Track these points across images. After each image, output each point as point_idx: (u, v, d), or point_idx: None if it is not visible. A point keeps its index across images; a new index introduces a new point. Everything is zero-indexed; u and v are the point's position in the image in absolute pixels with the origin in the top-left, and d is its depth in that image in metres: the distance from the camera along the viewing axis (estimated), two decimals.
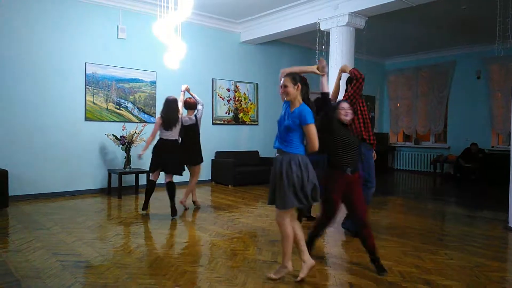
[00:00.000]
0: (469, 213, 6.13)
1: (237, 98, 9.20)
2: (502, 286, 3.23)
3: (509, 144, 9.03)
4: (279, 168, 3.09)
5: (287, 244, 3.14)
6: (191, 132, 5.81)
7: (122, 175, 6.85)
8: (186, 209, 5.94)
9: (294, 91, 3.20)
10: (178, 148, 5.53)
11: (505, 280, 3.35)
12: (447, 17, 7.94)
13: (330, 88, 4.59)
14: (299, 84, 3.21)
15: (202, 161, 6.00)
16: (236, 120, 9.21)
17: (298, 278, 3.17)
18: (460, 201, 7.59)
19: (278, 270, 3.24)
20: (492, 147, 10.15)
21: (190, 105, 5.86)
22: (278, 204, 3.09)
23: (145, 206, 5.61)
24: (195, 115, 5.86)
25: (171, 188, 5.38)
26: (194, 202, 6.18)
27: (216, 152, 8.68)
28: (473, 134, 10.21)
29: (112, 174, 7.04)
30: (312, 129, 3.04)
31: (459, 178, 9.88)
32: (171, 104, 5.46)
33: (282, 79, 3.27)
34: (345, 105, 3.55)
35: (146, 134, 7.09)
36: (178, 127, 5.49)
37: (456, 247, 4.23)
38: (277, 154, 3.20)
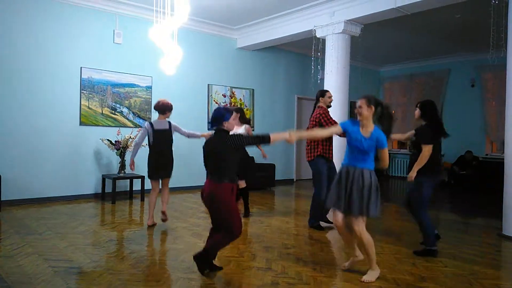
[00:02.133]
0: (463, 221, 6.14)
1: (233, 104, 9.20)
2: None
3: (503, 152, 9.07)
4: (363, 180, 3.39)
5: (372, 249, 3.44)
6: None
7: (117, 180, 6.81)
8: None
9: (367, 113, 3.43)
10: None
11: None
12: (442, 26, 8.01)
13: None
14: (372, 107, 3.44)
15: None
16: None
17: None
18: (454, 208, 7.61)
19: (370, 274, 3.44)
20: (486, 154, 10.21)
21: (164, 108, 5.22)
22: (367, 212, 3.37)
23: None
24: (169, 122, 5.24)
25: None
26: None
27: None
28: (467, 142, 10.25)
29: (106, 179, 7.00)
30: (386, 152, 3.48)
31: (453, 186, 9.91)
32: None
33: (358, 101, 3.50)
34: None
35: None
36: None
37: (451, 255, 4.23)
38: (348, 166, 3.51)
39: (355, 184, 3.39)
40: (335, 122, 4.89)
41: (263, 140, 3.31)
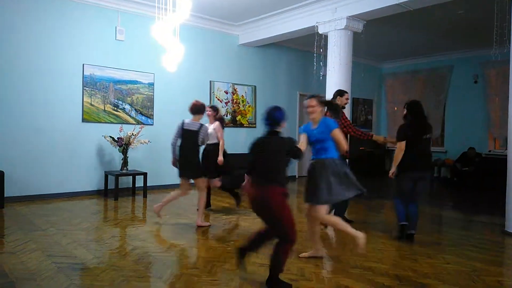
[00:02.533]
0: (466, 217, 6.13)
1: (235, 100, 9.20)
2: None
3: (506, 149, 9.02)
4: (325, 169, 3.64)
5: (341, 225, 3.66)
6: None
7: (119, 177, 6.82)
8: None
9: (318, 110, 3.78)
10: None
11: (502, 285, 3.35)
12: (445, 22, 7.97)
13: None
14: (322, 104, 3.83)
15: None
16: (234, 122, 9.20)
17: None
18: (457, 205, 7.60)
19: (358, 241, 3.55)
20: (489, 151, 10.17)
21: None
22: (316, 199, 3.66)
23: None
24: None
25: None
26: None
27: None
28: (470, 139, 10.23)
29: (109, 176, 7.01)
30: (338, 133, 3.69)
31: (456, 182, 9.89)
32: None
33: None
34: None
35: (143, 136, 7.08)
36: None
37: (453, 251, 4.23)
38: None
39: (321, 174, 3.61)
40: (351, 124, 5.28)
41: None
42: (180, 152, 5.05)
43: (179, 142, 5.09)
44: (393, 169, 4.60)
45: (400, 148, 4.52)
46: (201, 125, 5.08)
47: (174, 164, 5.17)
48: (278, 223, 3.04)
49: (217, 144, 5.70)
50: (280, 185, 3.06)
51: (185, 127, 5.04)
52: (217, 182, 5.75)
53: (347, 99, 5.33)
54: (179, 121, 5.16)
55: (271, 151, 3.11)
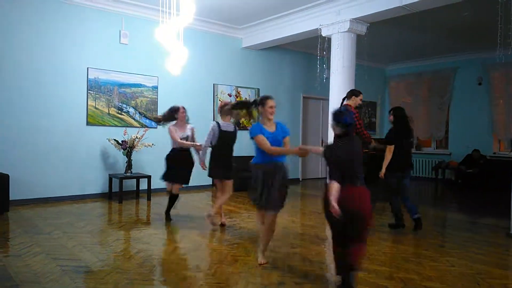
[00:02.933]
0: (470, 220, 6.10)
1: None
2: None
3: (511, 151, 8.99)
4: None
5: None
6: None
7: (123, 180, 6.85)
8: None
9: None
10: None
11: None
12: (449, 24, 7.95)
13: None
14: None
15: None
16: (237, 125, 9.17)
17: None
18: (461, 207, 7.56)
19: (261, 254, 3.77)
20: (494, 153, 10.13)
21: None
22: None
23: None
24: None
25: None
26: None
27: None
28: (474, 141, 10.18)
29: (113, 178, 7.04)
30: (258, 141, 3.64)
31: (460, 185, 9.85)
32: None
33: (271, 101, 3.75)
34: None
35: (148, 139, 7.11)
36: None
37: (458, 254, 4.21)
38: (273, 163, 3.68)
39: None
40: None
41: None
42: (216, 153, 5.13)
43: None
44: (383, 171, 5.07)
45: (390, 151, 5.02)
46: (235, 126, 5.32)
47: (203, 165, 5.23)
48: (365, 223, 2.98)
49: None
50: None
51: (223, 129, 5.11)
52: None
53: (361, 99, 5.49)
54: (212, 123, 5.19)
55: (358, 153, 3.10)
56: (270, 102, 3.68)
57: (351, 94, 5.43)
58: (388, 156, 5.03)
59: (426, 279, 3.44)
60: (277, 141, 3.68)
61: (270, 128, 3.71)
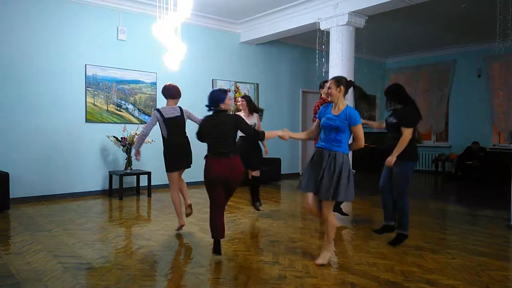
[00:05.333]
0: (471, 212, 6.11)
1: (237, 98, 9.19)
2: (505, 285, 3.22)
3: (511, 142, 8.97)
4: (335, 163, 3.42)
5: (334, 230, 3.63)
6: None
7: (123, 177, 6.85)
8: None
9: (337, 93, 3.52)
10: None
11: (507, 279, 3.34)
12: (447, 16, 7.93)
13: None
14: (341, 87, 3.52)
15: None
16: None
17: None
18: (462, 200, 7.57)
19: (325, 256, 3.62)
20: (494, 145, 10.13)
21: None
22: (338, 196, 3.42)
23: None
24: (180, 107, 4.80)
25: None
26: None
27: None
28: (474, 133, 10.19)
29: (113, 175, 7.04)
30: (360, 129, 3.47)
31: (460, 177, 9.86)
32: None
33: (328, 82, 3.74)
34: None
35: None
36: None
37: (458, 246, 4.22)
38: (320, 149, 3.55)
39: (326, 167, 3.43)
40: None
41: (258, 134, 3.76)
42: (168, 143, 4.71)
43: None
44: (393, 158, 4.04)
45: (409, 135, 4.01)
46: (180, 108, 4.77)
47: (138, 155, 4.98)
48: (234, 190, 3.94)
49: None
50: (235, 154, 3.72)
51: (166, 116, 4.67)
52: (256, 172, 5.71)
53: (324, 91, 5.19)
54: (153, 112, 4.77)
55: (220, 126, 3.71)
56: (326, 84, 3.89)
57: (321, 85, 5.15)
58: (404, 142, 3.99)
59: (427, 272, 3.44)
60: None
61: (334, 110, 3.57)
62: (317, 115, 3.73)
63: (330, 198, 3.43)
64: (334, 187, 3.39)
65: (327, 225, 3.58)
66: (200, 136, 3.88)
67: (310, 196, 3.57)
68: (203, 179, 3.77)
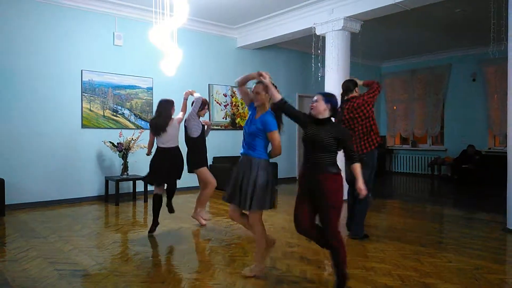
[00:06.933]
0: (467, 215, 6.13)
1: (234, 103, 9.21)
2: None
3: (506, 146, 8.97)
4: (251, 170, 3.23)
5: (262, 240, 3.35)
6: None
7: (120, 182, 6.82)
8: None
9: (264, 97, 3.35)
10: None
11: (504, 282, 3.34)
12: (442, 21, 7.99)
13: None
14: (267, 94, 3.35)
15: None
16: (233, 125, 9.20)
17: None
18: (458, 203, 7.60)
19: (253, 268, 3.40)
20: (489, 148, 10.18)
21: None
22: (255, 205, 3.20)
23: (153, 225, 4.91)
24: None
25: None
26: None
27: (214, 158, 8.66)
28: (470, 136, 10.24)
29: (109, 181, 7.01)
30: (274, 137, 3.23)
31: (456, 180, 9.89)
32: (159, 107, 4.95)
33: (255, 86, 3.43)
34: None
35: (143, 141, 7.05)
36: (170, 132, 4.83)
37: (455, 250, 4.23)
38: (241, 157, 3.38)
39: (245, 175, 3.25)
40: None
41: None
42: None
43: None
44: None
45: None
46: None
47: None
48: None
49: None
50: None
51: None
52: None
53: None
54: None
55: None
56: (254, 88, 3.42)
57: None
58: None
59: (424, 275, 3.45)
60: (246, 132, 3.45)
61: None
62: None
63: (247, 208, 3.23)
64: (250, 196, 3.19)
65: (254, 233, 3.36)
66: None
67: (231, 204, 3.37)
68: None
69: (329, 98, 3.12)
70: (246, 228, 3.49)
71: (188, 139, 5.15)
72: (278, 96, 3.26)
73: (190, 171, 5.17)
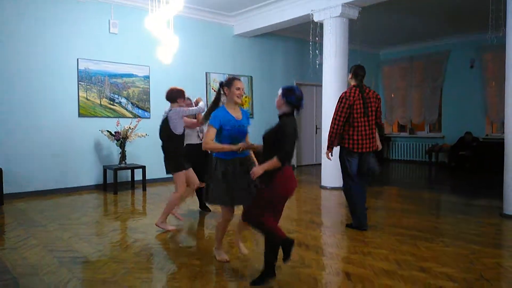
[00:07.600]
0: (464, 201, 6.17)
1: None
2: (498, 271, 3.27)
3: (503, 132, 9.01)
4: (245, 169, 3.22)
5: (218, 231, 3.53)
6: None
7: (118, 171, 6.83)
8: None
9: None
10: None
11: (500, 266, 3.38)
12: (440, 7, 7.93)
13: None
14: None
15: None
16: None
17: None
18: (455, 189, 7.64)
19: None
20: (487, 135, 10.21)
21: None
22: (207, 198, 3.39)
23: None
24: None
25: None
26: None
27: None
28: (467, 123, 10.25)
29: (107, 170, 7.01)
30: (208, 130, 3.17)
31: (453, 167, 9.94)
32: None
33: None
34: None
35: (141, 129, 7.05)
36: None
37: (452, 235, 4.26)
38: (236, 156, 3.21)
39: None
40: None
41: None
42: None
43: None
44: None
45: None
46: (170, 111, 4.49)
47: None
48: None
49: None
50: None
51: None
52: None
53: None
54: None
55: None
56: (237, 83, 3.21)
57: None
58: None
59: (421, 260, 3.48)
60: (243, 132, 3.30)
61: (236, 114, 3.25)
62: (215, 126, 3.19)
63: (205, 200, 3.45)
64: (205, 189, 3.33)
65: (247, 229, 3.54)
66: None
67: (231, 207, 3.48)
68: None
69: (285, 92, 3.09)
70: (240, 227, 3.58)
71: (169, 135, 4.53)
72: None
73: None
